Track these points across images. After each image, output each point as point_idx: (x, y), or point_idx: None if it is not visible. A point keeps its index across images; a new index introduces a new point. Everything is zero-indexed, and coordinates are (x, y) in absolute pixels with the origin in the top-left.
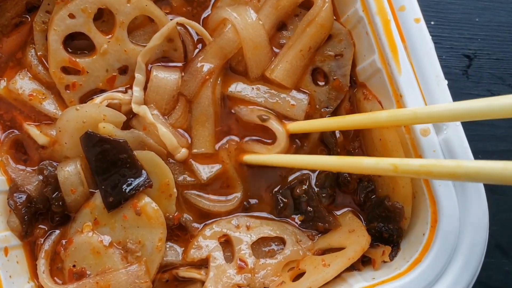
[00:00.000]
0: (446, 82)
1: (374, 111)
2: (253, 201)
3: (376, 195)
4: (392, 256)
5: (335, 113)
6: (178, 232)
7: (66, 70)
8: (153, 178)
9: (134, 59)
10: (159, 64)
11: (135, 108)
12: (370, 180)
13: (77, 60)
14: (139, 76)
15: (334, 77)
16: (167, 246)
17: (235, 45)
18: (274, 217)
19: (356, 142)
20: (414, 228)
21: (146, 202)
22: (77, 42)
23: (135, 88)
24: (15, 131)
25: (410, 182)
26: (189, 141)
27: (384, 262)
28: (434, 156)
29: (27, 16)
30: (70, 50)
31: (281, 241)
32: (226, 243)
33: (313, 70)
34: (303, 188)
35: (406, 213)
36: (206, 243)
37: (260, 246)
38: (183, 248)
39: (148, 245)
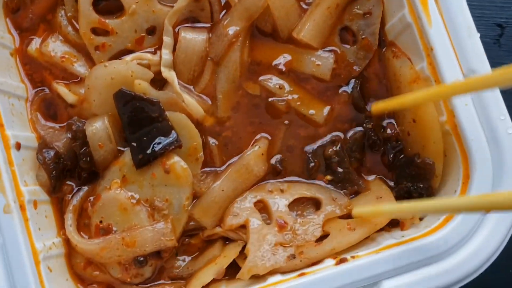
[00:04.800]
0: (478, 34)
1: (403, 68)
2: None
3: (404, 155)
4: (422, 217)
5: (363, 73)
6: None
7: (95, 31)
8: (182, 140)
9: (162, 19)
10: (187, 25)
11: (165, 72)
12: (398, 140)
13: (107, 21)
14: (167, 39)
15: (363, 36)
16: None
17: (260, 4)
18: (305, 180)
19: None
20: (445, 186)
21: (176, 160)
22: (105, 3)
23: (164, 51)
24: (45, 89)
25: (441, 138)
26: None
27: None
28: (466, 110)
29: None
30: (99, 11)
31: (317, 201)
32: (262, 209)
33: (341, 30)
34: (334, 149)
35: (437, 171)
36: (243, 210)
37: (296, 207)
38: None
39: (175, 204)
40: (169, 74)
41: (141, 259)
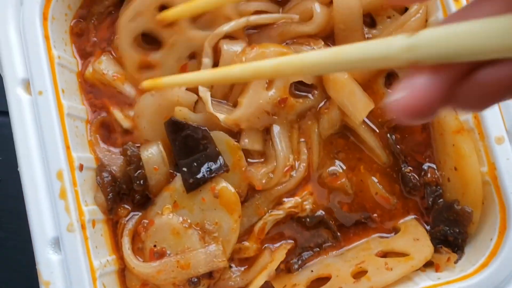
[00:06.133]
0: None
1: (448, 117)
2: None
3: (444, 199)
4: (457, 260)
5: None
6: None
7: (141, 65)
8: (225, 157)
9: (200, 43)
10: (228, 38)
11: (201, 92)
12: (438, 184)
13: (149, 57)
14: (206, 60)
15: None
16: None
17: None
18: None
19: (428, 151)
20: (481, 233)
21: (224, 186)
22: (143, 38)
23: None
24: (103, 113)
25: (481, 188)
26: None
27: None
28: (507, 164)
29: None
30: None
31: None
32: None
33: (388, 74)
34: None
35: (475, 218)
36: None
37: None
38: None
39: (225, 226)
40: (204, 94)
41: (195, 280)
